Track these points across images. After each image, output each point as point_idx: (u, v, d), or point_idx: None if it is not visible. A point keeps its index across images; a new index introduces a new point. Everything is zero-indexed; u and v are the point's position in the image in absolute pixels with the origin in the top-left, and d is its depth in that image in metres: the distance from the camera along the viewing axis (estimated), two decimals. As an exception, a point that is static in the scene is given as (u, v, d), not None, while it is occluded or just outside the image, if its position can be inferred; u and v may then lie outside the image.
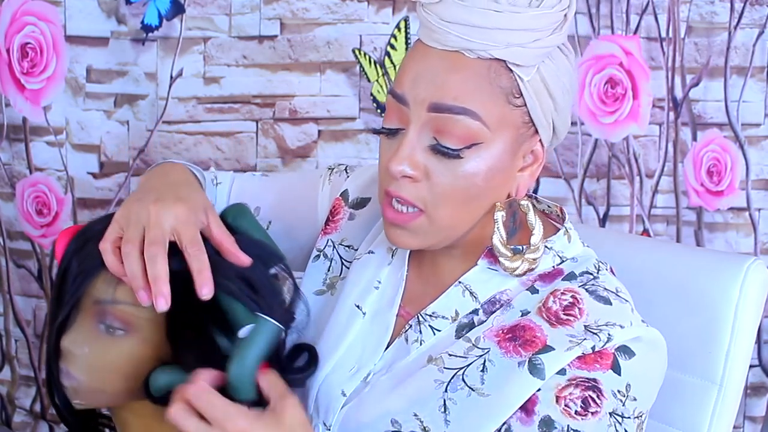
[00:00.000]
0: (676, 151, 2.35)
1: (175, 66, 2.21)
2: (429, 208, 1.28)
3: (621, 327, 1.26)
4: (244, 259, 1.32)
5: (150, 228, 1.28)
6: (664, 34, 2.30)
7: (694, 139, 2.35)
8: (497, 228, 1.30)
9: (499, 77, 1.24)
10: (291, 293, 1.38)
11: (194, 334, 1.30)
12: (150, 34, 2.20)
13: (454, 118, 1.24)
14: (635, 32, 2.29)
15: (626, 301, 1.31)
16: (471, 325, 1.33)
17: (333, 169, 1.55)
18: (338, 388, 1.36)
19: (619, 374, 1.25)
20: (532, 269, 1.32)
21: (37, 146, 2.24)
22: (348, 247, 1.47)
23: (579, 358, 1.25)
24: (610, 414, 1.24)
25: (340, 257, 1.47)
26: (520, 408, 1.26)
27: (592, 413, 1.24)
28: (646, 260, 1.49)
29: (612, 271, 1.36)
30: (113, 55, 2.22)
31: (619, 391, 1.25)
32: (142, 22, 2.20)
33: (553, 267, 1.34)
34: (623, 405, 1.25)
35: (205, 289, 1.27)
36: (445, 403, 1.29)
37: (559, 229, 1.36)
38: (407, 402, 1.30)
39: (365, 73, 2.26)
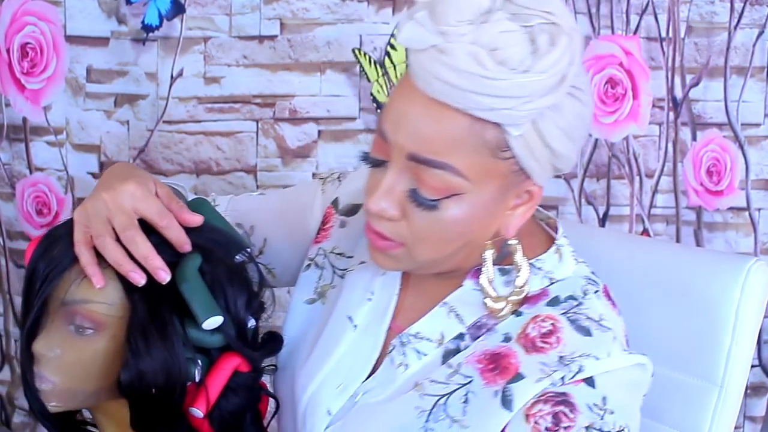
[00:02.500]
0: (675, 150, 2.35)
1: (176, 66, 2.21)
2: (408, 244, 1.24)
3: (596, 359, 1.22)
4: (192, 219, 1.33)
5: (114, 215, 1.30)
6: (664, 34, 2.30)
7: (694, 139, 2.35)
8: (485, 267, 1.26)
9: (484, 132, 1.16)
10: (257, 281, 1.39)
11: (157, 328, 1.31)
12: (150, 34, 2.20)
13: (432, 170, 1.18)
14: (635, 32, 2.29)
15: (608, 329, 1.25)
16: (457, 352, 1.29)
17: (326, 178, 1.51)
18: (324, 406, 1.34)
19: (594, 387, 1.21)
20: (516, 311, 1.27)
21: (37, 146, 2.24)
22: (340, 255, 1.44)
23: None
24: (586, 428, 1.19)
25: (332, 266, 1.44)
26: None
27: (565, 428, 1.19)
28: (647, 261, 1.49)
29: (606, 291, 1.31)
30: (113, 55, 2.21)
31: (595, 405, 1.20)
32: (143, 22, 2.20)
33: (541, 289, 1.29)
34: (601, 419, 1.20)
35: (186, 246, 1.30)
36: None
37: (551, 245, 1.31)
38: (389, 429, 1.27)
39: (365, 73, 2.26)
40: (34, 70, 2.20)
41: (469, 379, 1.26)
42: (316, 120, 2.26)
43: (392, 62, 2.26)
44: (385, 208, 1.22)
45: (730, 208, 2.38)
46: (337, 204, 1.47)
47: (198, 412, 1.33)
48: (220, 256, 1.34)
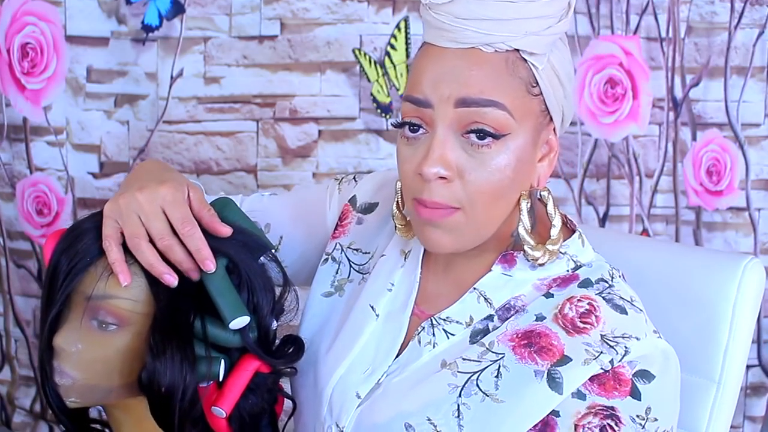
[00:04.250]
0: (675, 150, 2.35)
1: (176, 66, 2.22)
2: (466, 206, 1.27)
3: (637, 339, 1.26)
4: (222, 230, 1.34)
5: (150, 221, 1.31)
6: (664, 34, 2.30)
7: (694, 139, 2.35)
8: (522, 217, 1.29)
9: (517, 68, 1.25)
10: (280, 282, 1.40)
11: (178, 327, 1.31)
12: (150, 34, 2.21)
13: (482, 110, 1.24)
14: (635, 32, 2.29)
15: (640, 310, 1.30)
16: (485, 331, 1.32)
17: (342, 179, 1.55)
18: (353, 389, 1.36)
19: (639, 399, 1.25)
20: (552, 260, 1.32)
21: (38, 146, 2.24)
22: (356, 250, 1.48)
23: (598, 383, 1.25)
24: None
25: (349, 260, 1.48)
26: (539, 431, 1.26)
27: None
28: (645, 260, 1.50)
29: (623, 277, 1.35)
30: (113, 55, 2.22)
31: (638, 416, 1.24)
32: (143, 22, 2.20)
33: (568, 272, 1.33)
34: (643, 428, 1.24)
35: (208, 263, 1.31)
36: (458, 408, 1.28)
37: (573, 232, 1.36)
38: (421, 405, 1.30)
39: (365, 73, 2.26)
40: (34, 70, 2.21)
41: (501, 356, 1.29)
42: (316, 120, 2.27)
43: (392, 62, 2.26)
44: (439, 170, 1.26)
45: (730, 208, 2.38)
46: (355, 201, 1.51)
47: (221, 411, 1.33)
48: (247, 258, 1.35)
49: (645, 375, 1.25)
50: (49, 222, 2.25)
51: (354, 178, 1.54)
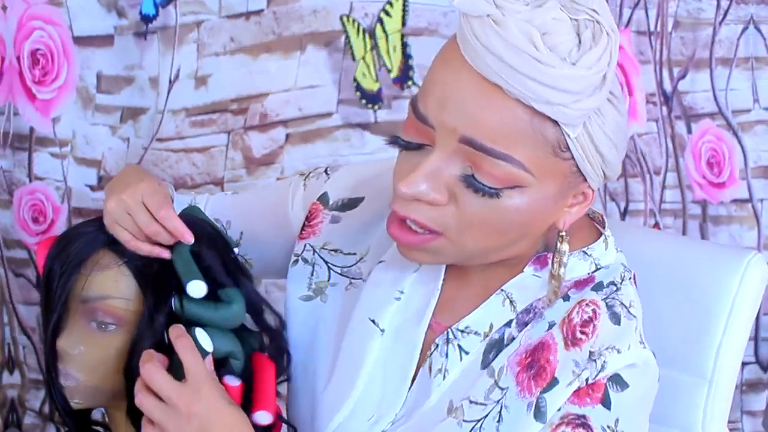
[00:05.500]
0: (675, 145, 2.36)
1: (174, 62, 2.19)
2: (451, 234, 1.21)
3: (618, 352, 1.24)
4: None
5: (136, 213, 1.33)
6: (652, 28, 2.30)
7: (689, 131, 2.36)
8: (564, 262, 1.26)
9: (544, 126, 1.16)
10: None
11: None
12: (150, 26, 2.18)
13: (493, 160, 1.16)
14: (626, 26, 2.29)
15: (634, 317, 1.27)
16: (500, 346, 1.28)
17: (309, 174, 1.48)
18: None
19: (609, 408, 1.23)
20: (566, 296, 1.29)
21: (41, 156, 2.24)
22: (334, 251, 1.41)
23: (573, 393, 1.24)
24: None
25: (326, 262, 1.41)
26: None
27: None
28: (648, 252, 1.47)
29: (634, 278, 1.33)
30: (119, 54, 2.20)
31: (608, 426, 1.23)
32: (140, 12, 2.18)
33: (588, 274, 1.30)
34: None
35: (187, 236, 1.32)
36: None
37: (601, 234, 1.33)
38: None
39: (351, 47, 2.13)
40: (45, 79, 2.19)
41: (504, 392, 1.26)
42: (285, 123, 2.22)
43: (384, 31, 2.12)
44: (426, 191, 1.19)
45: (734, 201, 2.38)
46: (326, 199, 1.43)
47: (267, 415, 1.30)
48: (217, 246, 1.38)
49: (618, 381, 1.24)
50: (44, 230, 2.25)
51: (326, 171, 1.47)
